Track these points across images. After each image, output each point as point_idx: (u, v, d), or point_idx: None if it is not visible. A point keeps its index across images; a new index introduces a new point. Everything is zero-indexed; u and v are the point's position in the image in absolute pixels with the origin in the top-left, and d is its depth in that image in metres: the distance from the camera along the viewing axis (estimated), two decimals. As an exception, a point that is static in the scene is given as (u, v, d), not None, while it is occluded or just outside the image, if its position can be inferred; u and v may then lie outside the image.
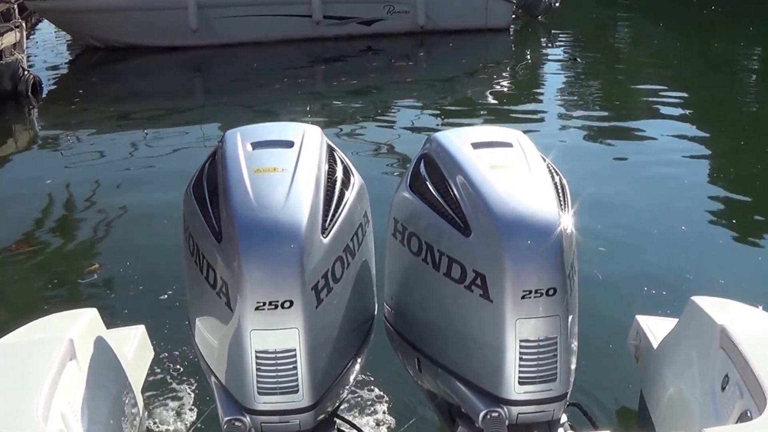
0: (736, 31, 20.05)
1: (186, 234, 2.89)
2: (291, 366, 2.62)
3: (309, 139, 2.95)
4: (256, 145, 2.91)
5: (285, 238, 2.58)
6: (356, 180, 2.96)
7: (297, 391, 2.66)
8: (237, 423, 2.70)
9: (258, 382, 2.64)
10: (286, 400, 2.66)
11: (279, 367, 2.62)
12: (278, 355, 2.61)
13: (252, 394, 2.66)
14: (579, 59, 17.03)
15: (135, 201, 8.54)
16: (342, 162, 2.98)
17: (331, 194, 2.79)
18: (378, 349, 3.26)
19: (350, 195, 2.86)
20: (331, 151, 2.99)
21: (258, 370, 2.62)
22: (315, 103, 13.79)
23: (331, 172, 2.87)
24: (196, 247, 2.78)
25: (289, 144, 2.91)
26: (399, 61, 17.12)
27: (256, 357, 2.61)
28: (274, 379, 2.63)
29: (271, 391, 2.65)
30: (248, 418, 2.70)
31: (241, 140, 2.93)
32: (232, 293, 2.60)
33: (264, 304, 2.56)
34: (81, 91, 14.92)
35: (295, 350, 2.61)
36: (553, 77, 15.83)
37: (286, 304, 2.57)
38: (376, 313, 3.18)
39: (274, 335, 2.59)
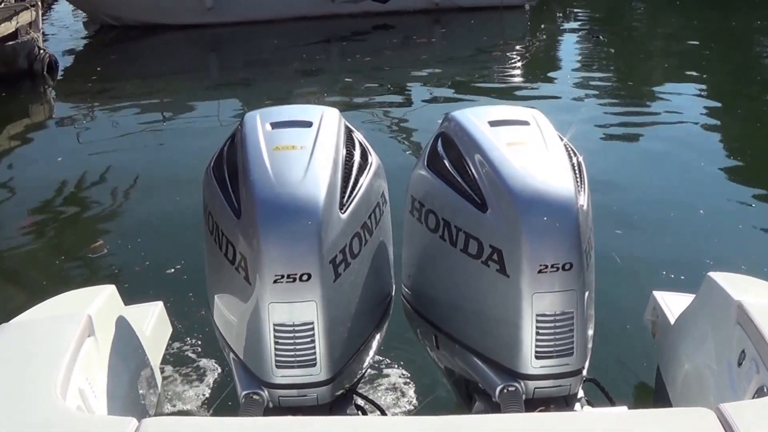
0: (753, 10, 19.87)
1: (206, 214, 2.92)
2: (309, 339, 2.64)
3: (327, 119, 3.00)
4: (276, 125, 2.95)
5: (303, 212, 2.61)
6: (374, 160, 3.00)
7: (315, 365, 2.68)
8: (255, 396, 2.72)
9: (276, 355, 2.66)
10: (303, 373, 2.68)
11: (297, 340, 2.64)
12: (296, 328, 2.63)
13: (270, 368, 2.68)
14: (602, 37, 16.92)
15: (147, 179, 8.55)
16: (360, 142, 3.02)
17: (349, 172, 2.82)
18: (396, 327, 3.28)
19: (368, 173, 2.90)
20: (349, 132, 3.04)
21: (276, 343, 2.65)
22: (331, 81, 13.77)
23: (349, 151, 2.91)
24: (215, 224, 2.82)
25: (308, 124, 2.96)
26: (420, 38, 17.05)
27: (274, 330, 2.63)
28: (292, 353, 2.65)
29: (289, 365, 2.67)
30: (266, 392, 2.73)
31: (260, 121, 2.98)
32: (251, 267, 2.62)
33: (282, 277, 2.58)
34: (98, 69, 14.94)
35: (312, 323, 2.63)
36: (570, 55, 15.75)
37: (304, 277, 2.59)
38: (393, 292, 3.20)
39: (292, 308, 2.62)
